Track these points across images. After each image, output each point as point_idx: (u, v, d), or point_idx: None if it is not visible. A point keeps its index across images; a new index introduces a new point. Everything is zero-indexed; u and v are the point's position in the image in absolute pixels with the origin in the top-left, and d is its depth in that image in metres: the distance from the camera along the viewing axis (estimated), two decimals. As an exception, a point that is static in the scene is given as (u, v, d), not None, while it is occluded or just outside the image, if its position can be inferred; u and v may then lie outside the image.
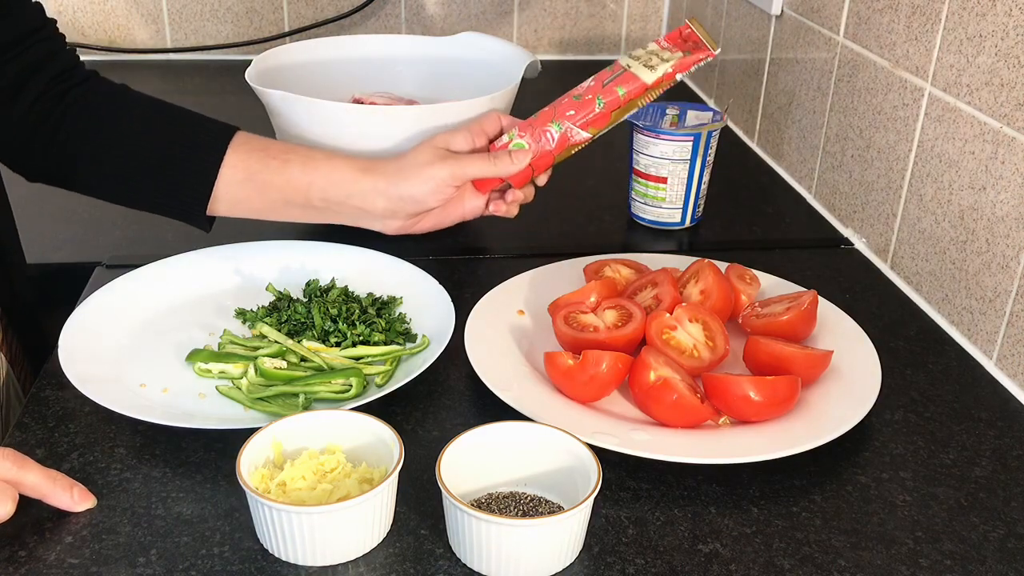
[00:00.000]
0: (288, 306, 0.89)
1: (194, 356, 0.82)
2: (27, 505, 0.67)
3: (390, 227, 0.96)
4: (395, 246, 0.98)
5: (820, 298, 0.87)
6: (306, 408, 0.76)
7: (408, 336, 0.87)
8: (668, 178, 1.08)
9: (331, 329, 0.85)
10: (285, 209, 0.93)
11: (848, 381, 0.80)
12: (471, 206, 0.99)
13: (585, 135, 0.95)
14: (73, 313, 0.85)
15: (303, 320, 0.87)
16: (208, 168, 0.89)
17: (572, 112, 0.95)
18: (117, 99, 0.91)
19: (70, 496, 0.67)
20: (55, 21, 0.90)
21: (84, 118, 0.88)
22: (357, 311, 0.88)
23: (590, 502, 0.63)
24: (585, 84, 0.97)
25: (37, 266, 1.01)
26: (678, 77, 0.95)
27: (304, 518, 0.61)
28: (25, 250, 0.98)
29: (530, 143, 0.95)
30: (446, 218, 0.99)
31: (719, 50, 0.96)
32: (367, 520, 0.64)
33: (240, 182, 0.90)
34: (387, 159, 0.94)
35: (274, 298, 0.91)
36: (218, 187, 0.90)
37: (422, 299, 0.91)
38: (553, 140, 0.95)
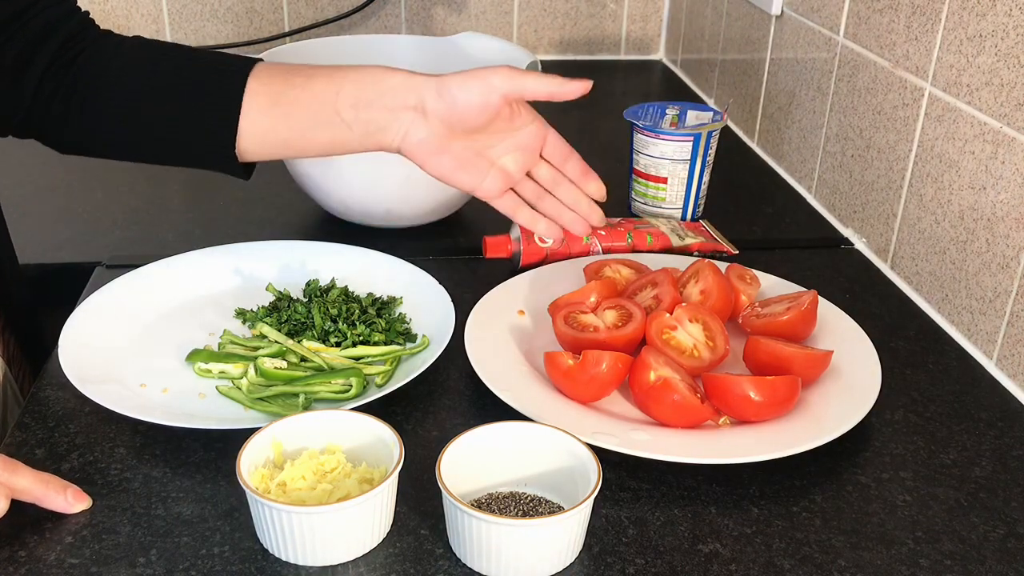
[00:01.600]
0: (288, 306, 0.89)
1: (194, 356, 0.82)
2: (27, 505, 0.67)
3: (413, 138, 0.83)
4: (395, 246, 0.98)
5: (820, 298, 0.87)
6: (306, 408, 0.76)
7: (408, 336, 0.87)
8: (668, 178, 1.08)
9: (331, 329, 0.85)
10: (315, 132, 0.84)
11: (848, 381, 0.80)
12: (494, 175, 0.86)
13: (599, 251, 1.02)
14: (73, 313, 0.85)
15: (303, 320, 0.87)
16: (230, 102, 0.82)
17: (603, 232, 1.02)
18: (127, 54, 0.85)
19: (64, 498, 0.66)
20: None
21: (97, 82, 0.84)
22: (357, 311, 0.88)
23: (590, 502, 0.63)
24: (616, 219, 1.05)
25: (37, 266, 1.01)
26: (696, 253, 1.04)
27: (304, 518, 0.61)
28: (25, 250, 0.98)
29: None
30: (470, 170, 0.85)
31: (738, 252, 1.05)
32: (367, 520, 0.64)
33: (265, 109, 0.83)
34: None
35: (274, 298, 0.91)
36: (243, 122, 0.82)
37: (422, 299, 0.90)
38: (578, 243, 1.01)
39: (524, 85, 0.81)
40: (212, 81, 0.83)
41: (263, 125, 0.82)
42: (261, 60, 0.85)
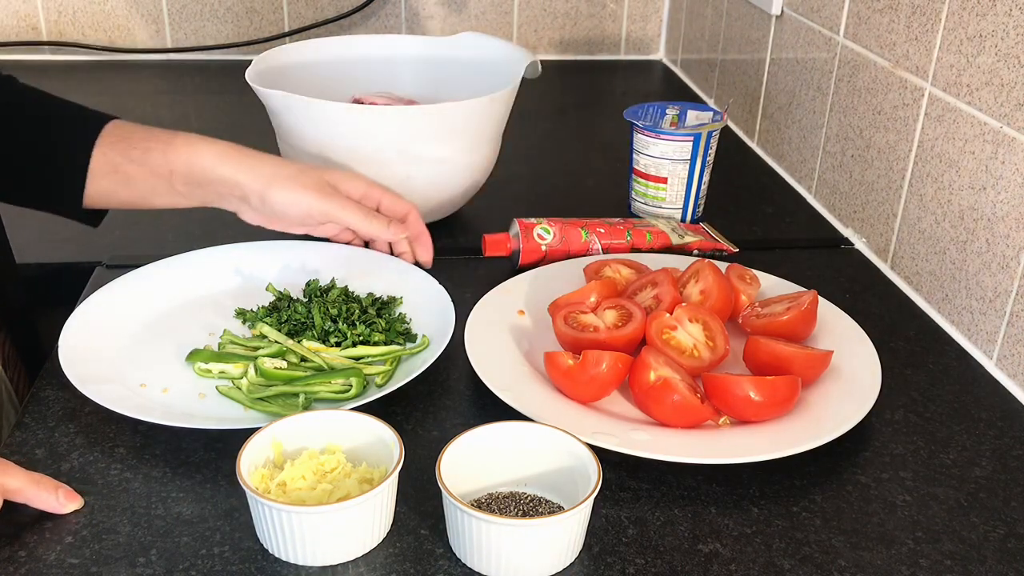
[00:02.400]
0: (288, 306, 0.89)
1: (194, 356, 0.82)
2: (27, 505, 0.67)
3: (248, 217, 0.93)
4: (395, 246, 0.98)
5: (820, 298, 0.87)
6: (306, 408, 0.76)
7: (408, 336, 0.87)
8: (668, 178, 1.08)
9: (331, 329, 0.85)
10: (153, 198, 0.91)
11: (848, 381, 0.80)
12: (329, 228, 0.96)
13: (598, 249, 1.02)
14: (73, 313, 0.85)
15: (303, 320, 0.87)
16: (77, 166, 0.88)
17: (602, 230, 1.02)
18: None
19: (55, 498, 0.66)
20: None
21: None
22: (357, 311, 0.88)
23: (590, 502, 0.63)
24: (616, 219, 1.05)
25: (37, 266, 1.01)
26: (696, 252, 1.04)
27: (304, 518, 0.61)
28: (25, 250, 0.98)
29: (555, 233, 1.01)
30: (306, 224, 0.95)
31: (736, 250, 1.05)
32: (367, 520, 0.64)
33: (107, 174, 0.88)
34: (268, 157, 0.92)
35: (274, 298, 0.91)
36: (89, 182, 0.88)
37: (422, 299, 0.90)
38: (579, 241, 1.01)
39: (342, 218, 0.91)
40: (62, 143, 0.88)
41: (106, 187, 0.89)
42: (112, 120, 0.90)
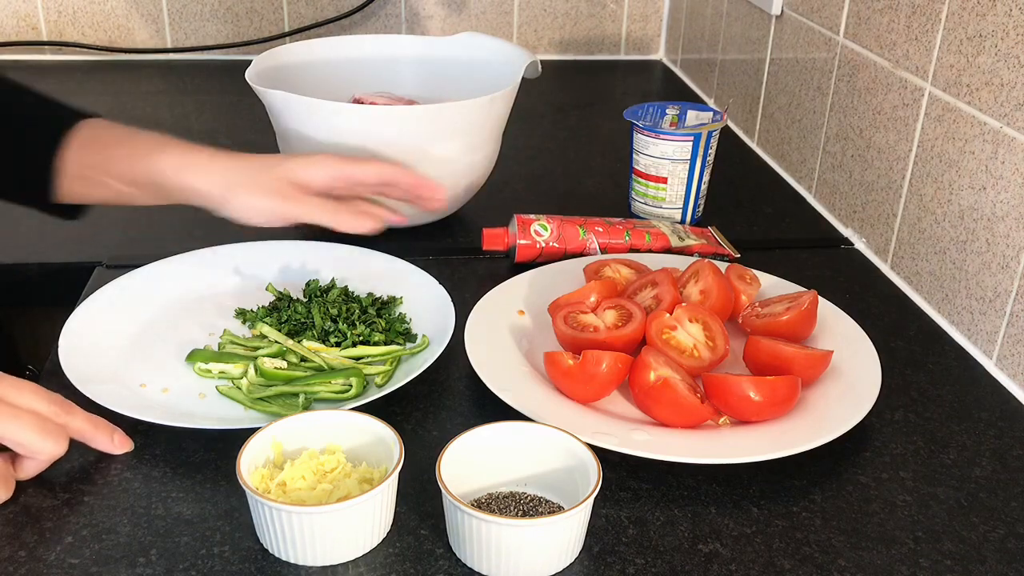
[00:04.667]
0: (288, 306, 0.89)
1: (194, 356, 0.82)
2: (27, 504, 0.67)
3: (225, 216, 0.89)
4: (395, 246, 0.98)
5: (820, 298, 0.87)
6: (306, 408, 0.76)
7: (408, 336, 0.87)
8: (668, 178, 1.08)
9: (331, 329, 0.85)
10: (130, 200, 0.90)
11: (848, 381, 0.80)
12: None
13: (596, 248, 1.02)
14: (73, 313, 0.85)
15: (303, 320, 0.87)
16: (42, 164, 0.87)
17: (600, 229, 1.02)
18: None
19: (110, 440, 0.72)
20: None
21: None
22: (357, 311, 0.88)
23: (590, 502, 0.63)
24: (616, 219, 1.05)
25: (37, 266, 1.01)
26: (696, 254, 1.03)
27: (304, 518, 0.61)
28: (26, 250, 0.97)
29: (553, 230, 1.01)
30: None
31: (739, 255, 1.04)
32: (367, 520, 0.64)
33: (76, 178, 0.88)
34: (227, 158, 0.89)
35: (274, 298, 0.91)
36: (61, 182, 0.87)
37: (422, 299, 0.90)
38: (577, 239, 1.01)
39: (306, 219, 0.87)
40: (31, 139, 0.87)
41: (79, 188, 0.88)
42: (87, 119, 0.88)
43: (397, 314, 0.90)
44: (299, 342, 0.83)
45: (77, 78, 1.59)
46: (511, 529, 0.61)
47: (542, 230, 1.00)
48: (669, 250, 1.03)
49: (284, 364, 0.80)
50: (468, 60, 1.18)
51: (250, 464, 0.65)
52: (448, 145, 1.02)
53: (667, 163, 1.07)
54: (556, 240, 1.00)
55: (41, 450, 0.67)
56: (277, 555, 0.64)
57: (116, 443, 0.72)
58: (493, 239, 1.02)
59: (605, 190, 1.22)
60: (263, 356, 0.81)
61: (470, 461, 0.66)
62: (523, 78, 1.07)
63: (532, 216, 1.02)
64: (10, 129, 0.88)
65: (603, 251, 1.01)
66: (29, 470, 0.68)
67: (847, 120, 1.12)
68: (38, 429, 0.67)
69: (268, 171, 0.88)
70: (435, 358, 0.81)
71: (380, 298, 0.91)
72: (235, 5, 1.68)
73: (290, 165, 0.89)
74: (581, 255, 1.01)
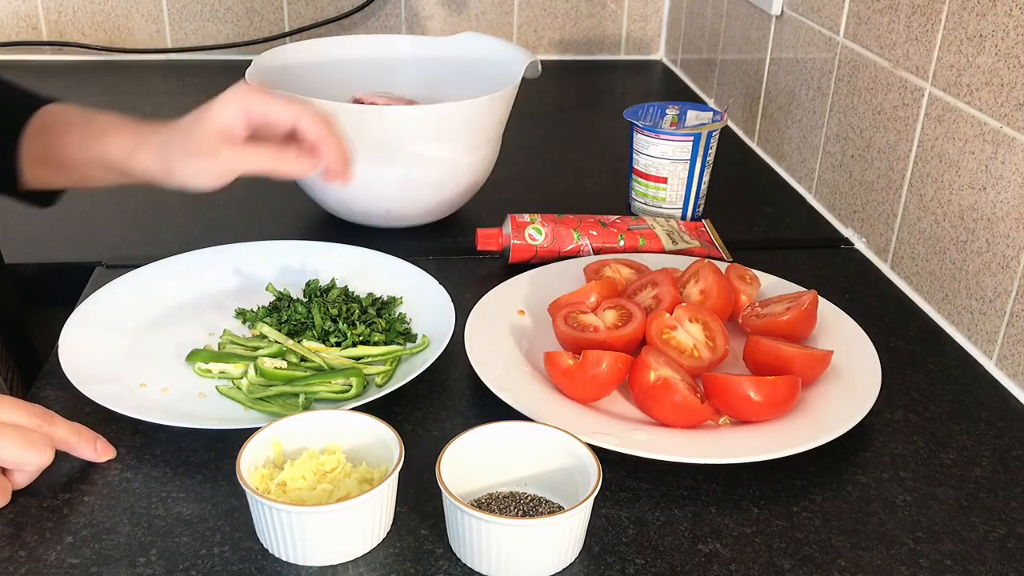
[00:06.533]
0: (288, 306, 0.89)
1: (194, 356, 0.82)
2: (27, 504, 0.67)
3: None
4: (395, 246, 0.98)
5: (820, 298, 0.87)
6: (306, 408, 0.76)
7: (408, 336, 0.87)
8: (668, 178, 1.08)
9: (331, 329, 0.85)
10: (94, 183, 0.89)
11: (848, 381, 0.80)
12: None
13: (590, 251, 1.02)
14: (73, 313, 0.85)
15: (303, 320, 0.87)
16: (5, 151, 0.86)
17: (595, 233, 1.02)
18: None
19: (93, 449, 0.71)
20: None
21: None
22: (357, 311, 0.88)
23: (590, 502, 0.63)
24: (611, 217, 1.05)
25: (36, 266, 1.01)
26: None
27: (304, 518, 0.61)
28: (25, 250, 0.97)
29: (547, 234, 1.01)
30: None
31: (731, 260, 1.03)
32: (367, 520, 0.64)
33: (38, 163, 0.87)
34: (161, 130, 0.84)
35: (274, 298, 0.91)
36: (25, 168, 0.87)
37: (422, 299, 0.90)
38: (571, 243, 1.01)
39: (246, 170, 0.81)
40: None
41: (43, 174, 0.88)
42: (48, 104, 0.88)
43: (397, 314, 0.90)
44: (299, 342, 0.83)
45: (77, 78, 1.59)
46: (511, 529, 0.61)
47: (536, 234, 1.00)
48: (663, 252, 1.03)
49: (284, 364, 0.80)
50: (468, 60, 1.18)
51: (250, 464, 0.65)
52: (448, 145, 1.02)
53: (667, 163, 1.07)
54: (550, 243, 1.00)
55: (28, 462, 0.67)
56: (277, 555, 0.64)
57: (99, 451, 0.71)
58: (487, 239, 1.02)
59: (605, 190, 1.22)
60: (263, 356, 0.81)
61: (470, 461, 0.66)
62: (523, 78, 1.07)
63: (527, 218, 1.02)
64: None
65: (597, 254, 1.01)
66: (18, 481, 0.68)
67: (847, 120, 1.12)
68: (22, 442, 0.66)
69: (194, 131, 0.81)
70: (435, 358, 0.81)
71: (380, 298, 0.91)
72: (235, 5, 1.68)
73: (209, 115, 0.81)
74: (576, 257, 1.01)
